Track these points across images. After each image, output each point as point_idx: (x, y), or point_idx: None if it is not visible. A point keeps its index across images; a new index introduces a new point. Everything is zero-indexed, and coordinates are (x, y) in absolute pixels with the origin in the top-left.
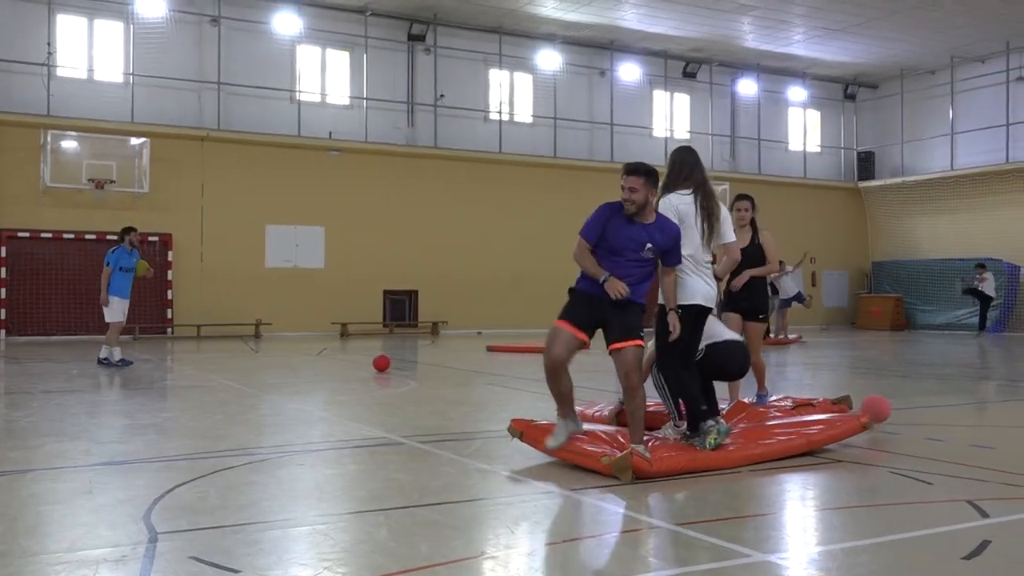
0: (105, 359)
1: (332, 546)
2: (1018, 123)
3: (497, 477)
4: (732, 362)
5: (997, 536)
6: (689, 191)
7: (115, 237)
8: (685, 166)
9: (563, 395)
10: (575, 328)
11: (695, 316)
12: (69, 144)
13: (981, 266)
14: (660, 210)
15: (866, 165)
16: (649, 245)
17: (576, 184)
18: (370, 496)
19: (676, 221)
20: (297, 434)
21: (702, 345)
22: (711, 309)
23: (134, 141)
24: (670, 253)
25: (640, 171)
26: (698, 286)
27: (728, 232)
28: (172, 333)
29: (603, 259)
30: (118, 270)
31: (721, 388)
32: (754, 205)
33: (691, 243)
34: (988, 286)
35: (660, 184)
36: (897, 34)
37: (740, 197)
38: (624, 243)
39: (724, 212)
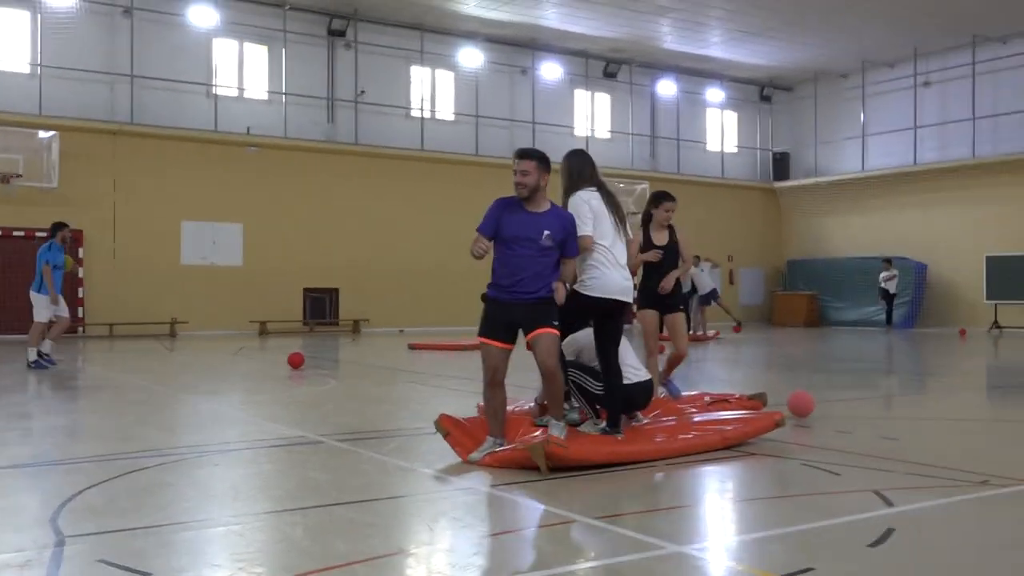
0: (44, 357)
1: (247, 546)
2: (925, 126)
3: (417, 475)
4: (634, 403)
5: (901, 524)
6: (594, 189)
7: (21, 233)
8: (585, 167)
9: (497, 412)
10: (496, 341)
11: (611, 311)
12: None
13: (888, 261)
14: (572, 206)
15: (781, 165)
16: (547, 232)
17: (498, 182)
18: (287, 495)
19: (590, 215)
20: (212, 434)
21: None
22: (629, 304)
23: (42, 134)
24: (567, 243)
25: (532, 155)
26: (614, 280)
27: (629, 229)
28: (83, 332)
29: (502, 252)
30: (53, 268)
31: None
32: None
33: (606, 236)
34: (892, 283)
35: (562, 188)
36: (810, 38)
37: (667, 197)
38: (519, 232)
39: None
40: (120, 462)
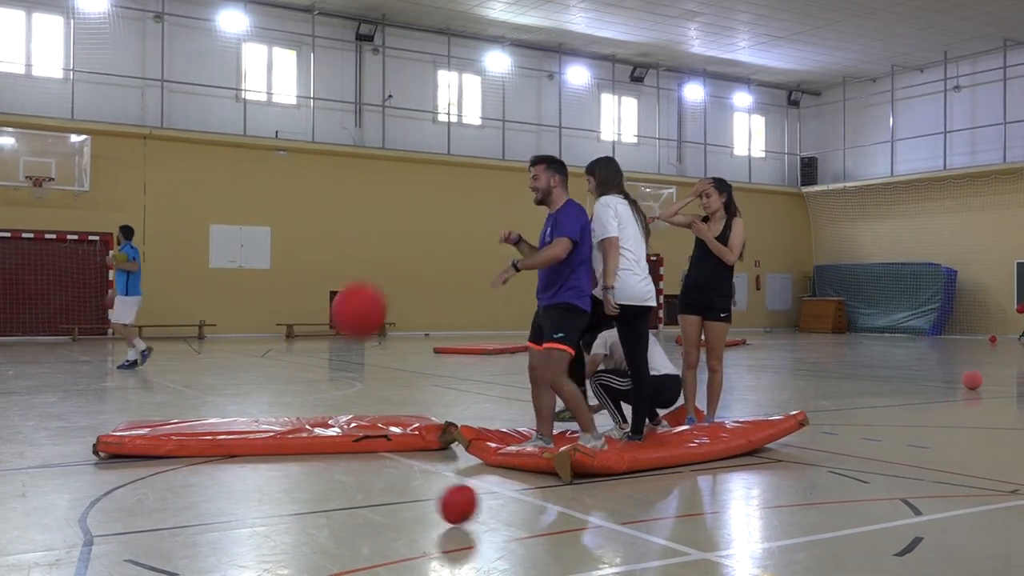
0: (137, 358)
1: (272, 548)
2: (955, 131)
3: (441, 478)
4: (661, 395)
5: (929, 533)
6: (622, 196)
7: (53, 236)
8: (615, 176)
9: (540, 410)
10: (531, 342)
11: (637, 315)
12: (6, 140)
13: None
14: (599, 206)
15: (809, 170)
16: (549, 229)
17: (524, 186)
18: (312, 498)
19: (614, 218)
20: None
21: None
22: (650, 309)
23: (74, 138)
24: (558, 224)
25: (541, 160)
26: (640, 286)
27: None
28: (112, 334)
29: None
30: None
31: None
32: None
33: (631, 240)
34: None
35: (598, 194)
36: (839, 42)
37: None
38: (541, 239)
39: None
40: (147, 463)
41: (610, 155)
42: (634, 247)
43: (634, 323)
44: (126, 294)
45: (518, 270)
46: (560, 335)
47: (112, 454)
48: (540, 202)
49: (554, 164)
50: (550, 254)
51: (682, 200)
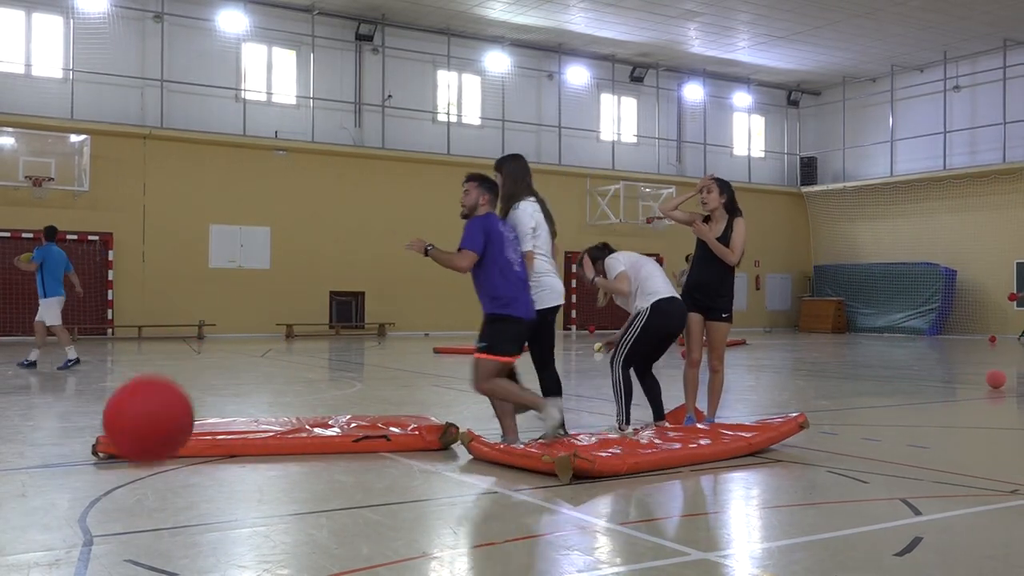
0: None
1: (272, 548)
2: (955, 131)
3: (440, 478)
4: (672, 316)
5: (929, 533)
6: (534, 199)
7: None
8: (525, 174)
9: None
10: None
11: (553, 314)
12: (6, 140)
13: None
14: (518, 214)
15: (808, 170)
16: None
17: None
18: (312, 498)
19: (533, 226)
20: None
21: (648, 303)
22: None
23: (74, 138)
24: (464, 235)
25: (474, 177)
26: (557, 286)
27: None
28: (112, 334)
29: None
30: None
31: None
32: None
33: (545, 246)
34: None
35: (501, 193)
36: (839, 42)
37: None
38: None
39: None
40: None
41: (519, 153)
42: (546, 248)
43: (553, 320)
44: (44, 296)
45: (426, 254)
46: (483, 344)
47: (112, 454)
48: (465, 216)
49: (486, 183)
50: (450, 261)
51: (683, 195)
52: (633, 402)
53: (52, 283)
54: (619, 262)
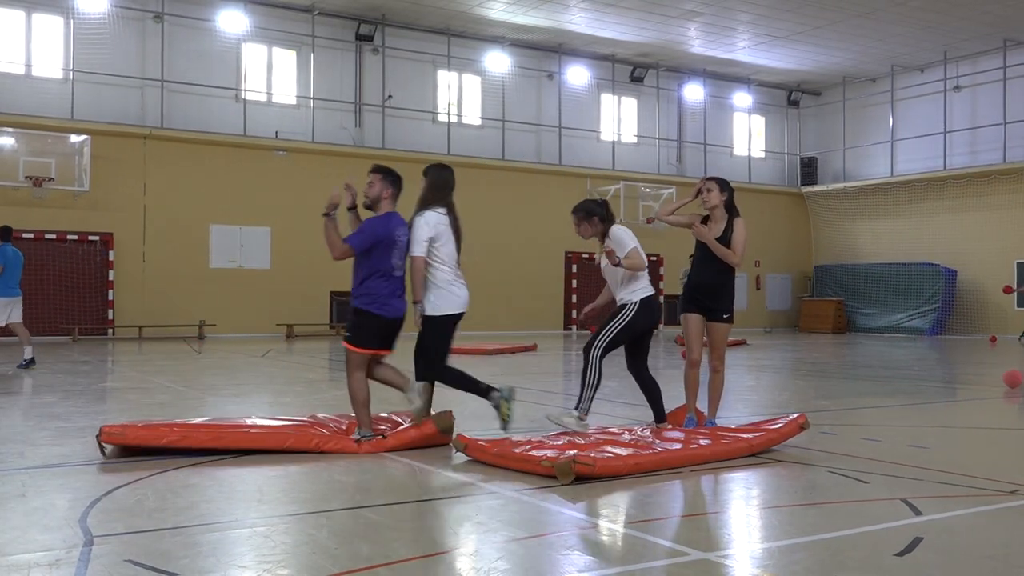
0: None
1: (272, 548)
2: (955, 131)
3: (441, 478)
4: (655, 311)
5: (928, 533)
6: (444, 211)
7: (53, 236)
8: (449, 183)
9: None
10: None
11: (455, 321)
12: (6, 140)
13: None
14: (419, 221)
15: (809, 171)
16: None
17: (524, 186)
18: (312, 498)
19: (431, 236)
20: None
21: (637, 299)
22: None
23: (74, 138)
24: (358, 230)
25: (379, 170)
26: (463, 294)
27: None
28: (113, 334)
29: None
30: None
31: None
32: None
33: (450, 257)
34: None
35: (423, 196)
36: (839, 42)
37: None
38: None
39: None
40: (147, 462)
41: (448, 165)
42: (450, 259)
43: (454, 328)
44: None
45: (324, 214)
46: (349, 335)
47: (115, 444)
48: (368, 207)
49: (390, 176)
50: (331, 240)
51: (681, 200)
52: (632, 402)
53: (8, 282)
54: (630, 236)
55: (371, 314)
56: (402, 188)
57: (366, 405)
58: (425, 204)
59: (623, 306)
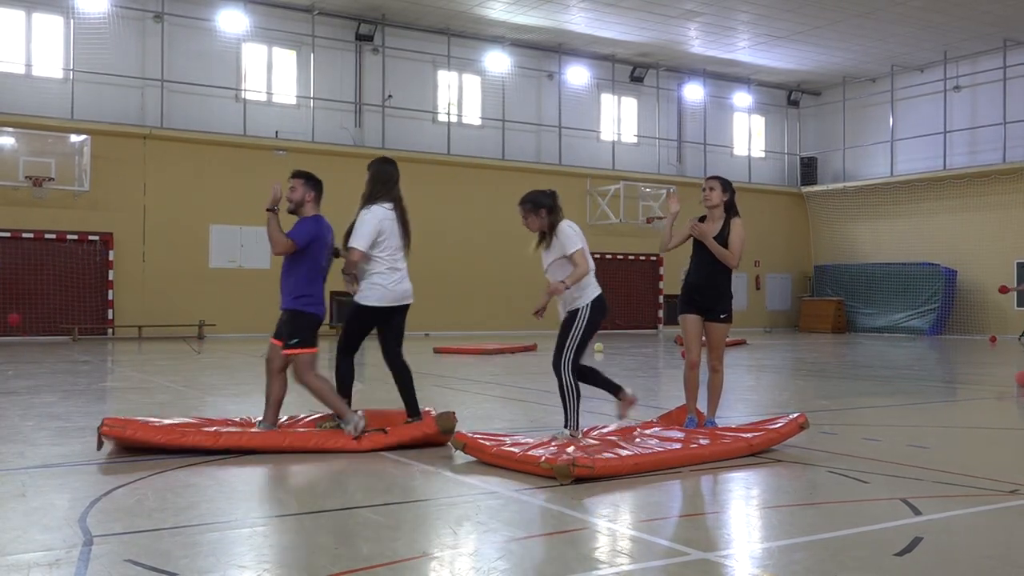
0: None
1: (272, 548)
2: (955, 131)
3: (440, 478)
4: (606, 311)
5: (928, 533)
6: (391, 205)
7: (53, 236)
8: (393, 176)
9: (268, 397)
10: (275, 340)
11: (391, 314)
12: (6, 140)
13: None
14: (367, 217)
15: (809, 170)
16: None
17: (524, 186)
18: (312, 497)
19: (371, 234)
20: None
21: (588, 301)
22: (408, 305)
23: (74, 138)
24: (293, 228)
25: (300, 175)
26: (398, 289)
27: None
28: (113, 334)
29: None
30: None
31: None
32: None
33: (395, 251)
34: None
35: (368, 191)
36: (839, 42)
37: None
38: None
39: None
40: (147, 462)
41: (391, 158)
42: (394, 252)
43: (393, 321)
44: None
45: (268, 209)
46: (295, 340)
47: (115, 436)
48: (292, 211)
49: (311, 181)
50: (274, 235)
51: (680, 232)
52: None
53: None
54: (579, 235)
55: (310, 314)
56: (323, 192)
57: (335, 394)
58: (371, 199)
59: (574, 313)
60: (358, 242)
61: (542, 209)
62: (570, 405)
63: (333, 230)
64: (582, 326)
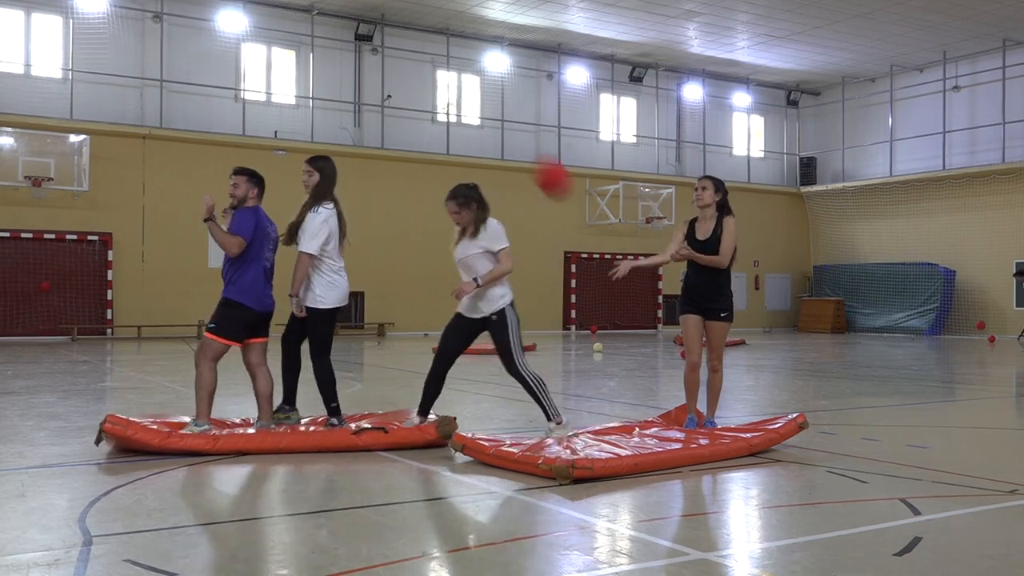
0: None
1: (272, 548)
2: (954, 131)
3: (441, 478)
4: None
5: (928, 533)
6: (332, 205)
7: (52, 236)
8: (335, 178)
9: (198, 391)
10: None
11: (335, 314)
12: (5, 140)
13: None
14: (316, 220)
15: (808, 170)
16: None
17: (523, 186)
18: (312, 497)
19: (322, 235)
20: None
21: (504, 305)
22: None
23: (73, 138)
24: (235, 222)
25: (243, 172)
26: (345, 286)
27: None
28: (112, 334)
29: None
30: None
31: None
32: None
33: (336, 250)
34: None
35: (321, 189)
36: (838, 42)
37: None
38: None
39: None
40: (147, 463)
41: (329, 156)
42: (336, 252)
43: (334, 321)
44: None
45: (206, 220)
46: (213, 325)
47: (116, 435)
48: (234, 208)
49: (254, 178)
50: (223, 239)
51: (672, 246)
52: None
53: None
54: (505, 233)
55: (244, 306)
56: (265, 187)
57: (211, 395)
58: (321, 197)
59: (497, 317)
60: (311, 246)
61: (474, 203)
62: (543, 397)
63: (276, 224)
64: (511, 328)
